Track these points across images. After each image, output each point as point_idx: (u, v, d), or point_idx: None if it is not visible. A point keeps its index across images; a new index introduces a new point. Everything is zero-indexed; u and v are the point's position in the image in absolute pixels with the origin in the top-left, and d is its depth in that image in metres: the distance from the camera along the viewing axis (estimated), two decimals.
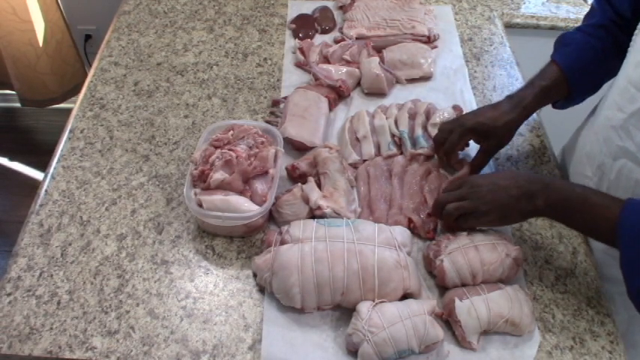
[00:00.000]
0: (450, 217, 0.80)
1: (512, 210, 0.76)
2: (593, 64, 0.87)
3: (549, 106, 0.94)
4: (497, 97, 1.12)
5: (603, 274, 0.85)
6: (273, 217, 0.88)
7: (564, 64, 0.87)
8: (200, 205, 0.81)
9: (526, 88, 0.88)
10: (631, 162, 0.78)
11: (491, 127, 0.86)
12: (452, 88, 1.14)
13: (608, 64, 0.87)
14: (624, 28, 0.85)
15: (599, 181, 0.85)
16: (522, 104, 0.86)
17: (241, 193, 0.84)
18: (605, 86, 0.92)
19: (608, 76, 0.89)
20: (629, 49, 0.79)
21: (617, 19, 0.86)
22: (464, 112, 1.04)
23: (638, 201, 0.67)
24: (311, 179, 0.89)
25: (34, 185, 1.34)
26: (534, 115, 1.09)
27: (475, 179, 0.81)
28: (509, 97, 0.88)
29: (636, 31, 0.77)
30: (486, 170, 0.95)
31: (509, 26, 1.35)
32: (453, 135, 0.88)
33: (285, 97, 1.06)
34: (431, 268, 0.81)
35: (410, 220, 0.87)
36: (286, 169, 0.94)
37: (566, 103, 0.93)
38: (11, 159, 2.28)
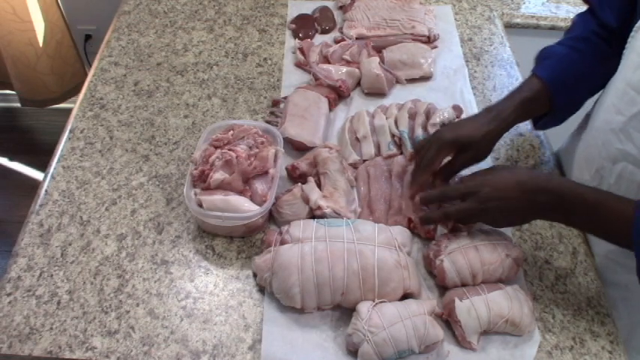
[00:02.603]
0: (449, 218, 0.81)
1: (518, 219, 0.80)
2: (575, 77, 0.86)
3: None
4: (497, 97, 1.12)
5: (605, 279, 0.85)
6: (273, 217, 0.88)
7: (546, 75, 0.85)
8: (200, 205, 0.81)
9: (505, 101, 0.86)
10: (632, 165, 0.77)
11: (470, 140, 0.83)
12: (452, 88, 1.14)
13: (590, 77, 0.86)
14: (607, 39, 0.85)
15: (598, 185, 0.84)
16: (501, 116, 0.84)
17: (241, 193, 0.84)
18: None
19: (589, 91, 0.88)
20: (624, 52, 0.79)
21: (600, 30, 0.86)
22: (464, 112, 1.04)
23: None
24: (311, 179, 0.89)
25: (34, 185, 1.34)
26: None
27: (482, 190, 0.75)
28: (487, 110, 0.86)
29: (632, 33, 0.76)
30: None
31: (509, 26, 1.35)
32: (430, 149, 0.84)
33: (285, 97, 1.06)
34: (431, 268, 0.81)
35: (410, 220, 0.87)
36: (286, 169, 0.94)
37: (547, 121, 0.90)
38: (11, 159, 2.28)
